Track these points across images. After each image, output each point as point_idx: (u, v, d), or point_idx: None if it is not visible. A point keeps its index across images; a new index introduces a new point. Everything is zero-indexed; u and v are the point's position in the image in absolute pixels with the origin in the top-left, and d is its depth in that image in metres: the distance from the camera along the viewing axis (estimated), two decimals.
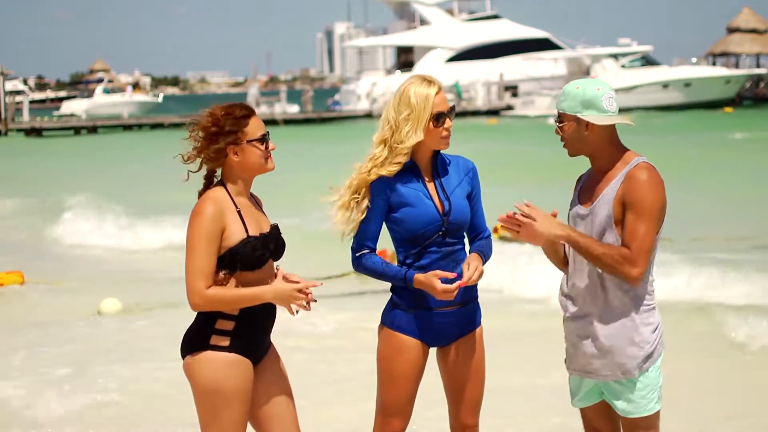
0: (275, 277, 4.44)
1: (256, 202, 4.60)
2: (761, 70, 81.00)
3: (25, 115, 70.58)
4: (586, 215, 4.46)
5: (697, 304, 10.95)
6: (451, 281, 4.56)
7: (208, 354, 4.39)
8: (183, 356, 4.46)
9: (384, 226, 4.71)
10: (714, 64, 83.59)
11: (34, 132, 63.97)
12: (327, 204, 4.71)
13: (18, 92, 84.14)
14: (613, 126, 4.46)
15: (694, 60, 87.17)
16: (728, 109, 68.25)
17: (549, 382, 8.41)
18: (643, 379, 4.44)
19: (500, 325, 10.66)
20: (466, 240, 4.79)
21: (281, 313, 4.54)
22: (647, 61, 75.16)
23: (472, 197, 4.75)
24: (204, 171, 4.51)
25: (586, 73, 70.92)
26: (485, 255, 4.72)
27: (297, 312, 4.45)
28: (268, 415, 4.55)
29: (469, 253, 4.72)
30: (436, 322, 4.68)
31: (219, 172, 4.51)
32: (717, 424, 7.51)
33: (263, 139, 4.46)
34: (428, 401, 6.01)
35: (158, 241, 17.98)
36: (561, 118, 4.47)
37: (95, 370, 9.24)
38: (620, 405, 4.48)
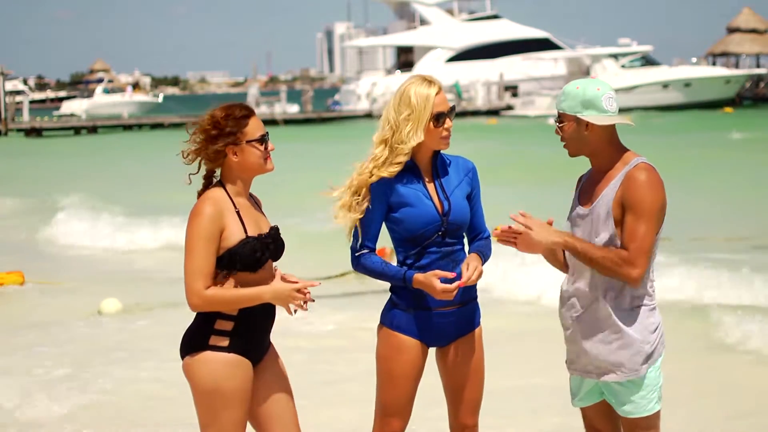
0: (274, 278, 4.44)
1: (255, 203, 4.60)
2: (761, 70, 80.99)
3: (25, 115, 70.58)
4: (586, 216, 4.46)
5: (697, 304, 10.95)
6: (450, 281, 4.56)
7: (207, 354, 4.39)
8: (182, 356, 4.46)
9: (384, 225, 4.71)
10: (714, 64, 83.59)
11: (34, 132, 63.98)
12: (326, 200, 4.71)
13: (18, 92, 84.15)
14: (613, 126, 4.46)
15: (694, 60, 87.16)
16: (728, 109, 68.24)
17: (549, 382, 8.41)
18: (643, 379, 4.44)
19: (500, 325, 10.67)
20: (465, 240, 4.79)
21: (281, 313, 4.54)
22: (647, 61, 75.16)
23: (472, 197, 4.74)
24: (203, 171, 4.51)
25: (586, 73, 70.92)
26: (484, 255, 4.72)
27: (295, 312, 4.45)
28: (268, 415, 4.55)
29: (469, 253, 4.72)
30: (435, 322, 4.68)
31: (218, 172, 4.51)
32: (717, 424, 7.51)
33: (262, 140, 4.46)
34: (428, 401, 6.01)
35: (158, 241, 17.98)
36: (561, 118, 4.48)
37: (95, 370, 9.24)
38: (620, 405, 4.49)
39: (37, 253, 17.67)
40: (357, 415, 7.45)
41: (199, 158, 4.47)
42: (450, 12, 78.96)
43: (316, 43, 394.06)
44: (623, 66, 73.00)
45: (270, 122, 63.67)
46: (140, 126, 68.38)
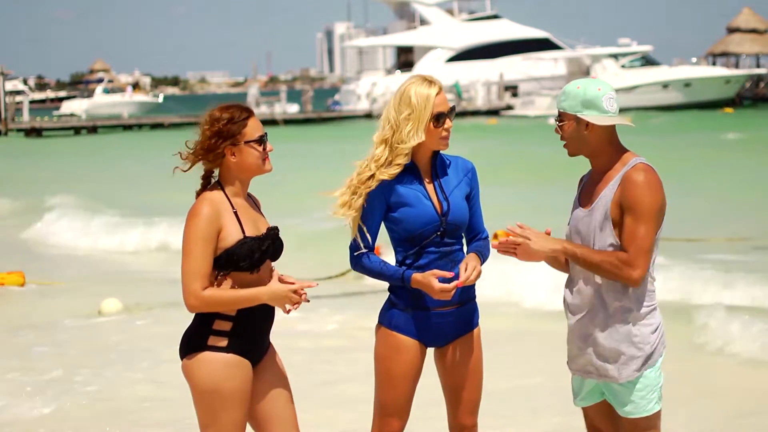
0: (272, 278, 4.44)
1: (254, 203, 4.60)
2: (761, 70, 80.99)
3: (25, 115, 70.59)
4: (585, 217, 4.47)
5: (697, 304, 10.94)
6: (448, 281, 4.56)
7: (206, 355, 4.39)
8: (181, 357, 4.46)
9: (383, 225, 4.71)
10: (714, 64, 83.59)
11: (34, 132, 63.98)
12: (325, 200, 4.72)
13: (18, 92, 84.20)
14: (613, 126, 4.47)
15: (694, 60, 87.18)
16: (728, 110, 68.24)
17: (549, 382, 8.42)
18: (644, 379, 4.44)
19: (500, 325, 10.67)
20: (464, 240, 4.79)
21: (281, 313, 4.54)
22: (647, 61, 75.16)
23: (471, 198, 4.74)
24: (202, 171, 4.51)
25: (586, 73, 70.91)
26: (483, 255, 4.72)
27: (289, 311, 4.45)
28: (268, 415, 4.55)
29: (467, 253, 4.72)
30: (434, 322, 4.68)
31: (217, 172, 4.51)
32: (717, 424, 7.51)
33: (261, 140, 4.46)
34: (427, 401, 6.01)
35: (158, 242, 17.98)
36: (561, 117, 4.48)
37: (95, 370, 9.24)
38: (620, 405, 4.49)
39: (36, 254, 17.67)
40: (356, 415, 7.45)
41: (198, 158, 4.47)
42: (450, 12, 78.96)
43: (316, 43, 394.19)
44: (623, 66, 73.01)
45: (270, 122, 63.71)
46: (140, 126, 68.40)
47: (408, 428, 4.80)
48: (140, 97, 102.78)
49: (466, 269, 4.57)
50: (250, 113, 4.47)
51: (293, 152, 37.53)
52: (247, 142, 4.43)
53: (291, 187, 23.17)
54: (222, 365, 4.38)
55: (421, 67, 72.95)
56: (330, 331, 10.77)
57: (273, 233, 4.51)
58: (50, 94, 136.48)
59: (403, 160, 4.61)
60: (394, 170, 4.60)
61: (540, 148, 35.17)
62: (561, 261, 4.60)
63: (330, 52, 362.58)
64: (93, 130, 65.91)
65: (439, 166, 4.71)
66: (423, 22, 78.34)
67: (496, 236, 13.88)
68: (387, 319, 4.72)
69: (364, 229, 4.65)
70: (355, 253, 4.68)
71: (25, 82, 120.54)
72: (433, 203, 4.63)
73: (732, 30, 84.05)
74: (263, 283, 4.43)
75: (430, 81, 4.64)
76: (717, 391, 8.41)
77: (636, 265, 4.31)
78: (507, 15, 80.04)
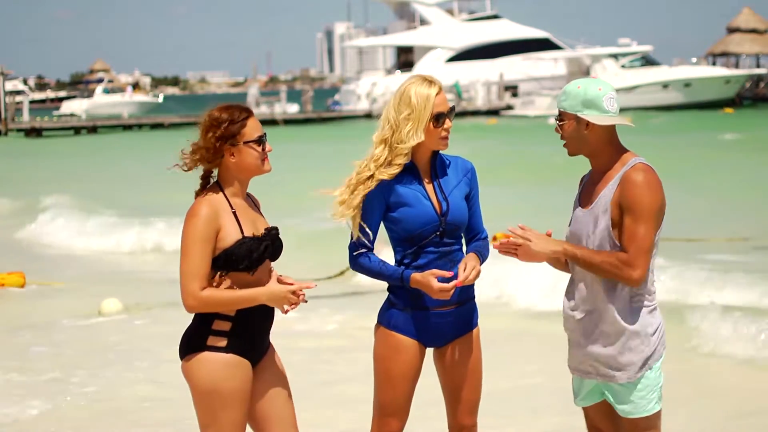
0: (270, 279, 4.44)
1: (253, 203, 4.60)
2: (761, 70, 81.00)
3: (25, 115, 70.60)
4: (585, 217, 4.47)
5: (697, 305, 10.94)
6: (447, 281, 4.56)
7: (206, 355, 4.38)
8: (181, 357, 4.46)
9: (382, 225, 4.71)
10: (714, 64, 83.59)
11: (34, 132, 63.99)
12: (325, 200, 4.71)
13: (18, 92, 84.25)
14: (613, 126, 4.46)
15: (694, 60, 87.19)
16: (728, 110, 68.24)
17: (549, 382, 8.42)
18: (643, 379, 4.44)
19: (501, 325, 10.67)
20: (464, 241, 4.79)
21: (280, 313, 4.54)
22: (647, 61, 75.17)
23: (470, 198, 4.74)
24: (201, 171, 4.51)
25: (586, 73, 70.92)
26: (482, 255, 4.72)
27: (287, 312, 4.45)
28: (267, 415, 4.54)
29: (466, 253, 4.72)
30: (433, 322, 4.68)
31: (216, 172, 4.51)
32: (717, 424, 7.51)
33: (260, 141, 4.46)
34: (427, 401, 6.01)
35: (158, 242, 17.97)
36: (561, 116, 4.48)
37: (95, 371, 9.24)
38: (620, 405, 4.49)
39: (36, 254, 17.66)
40: (356, 415, 7.45)
41: (197, 158, 4.46)
42: (450, 12, 78.97)
43: (316, 43, 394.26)
44: (623, 66, 73.02)
45: (270, 122, 63.73)
46: (140, 126, 68.42)
47: (407, 428, 4.80)
48: (140, 97, 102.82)
49: (465, 269, 4.57)
50: (249, 113, 4.47)
51: (293, 152, 37.54)
52: (246, 143, 4.43)
53: (291, 187, 23.15)
54: (221, 365, 4.37)
55: (421, 67, 72.96)
56: (330, 331, 10.77)
57: (273, 233, 4.51)
58: (50, 94, 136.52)
59: (402, 160, 4.61)
60: (394, 170, 4.60)
61: (540, 148, 35.18)
62: (562, 261, 4.60)
63: (330, 52, 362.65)
64: (93, 130, 65.93)
65: (438, 166, 4.71)
66: (423, 22, 78.35)
67: (495, 239, 13.89)
68: (386, 318, 4.71)
69: (364, 228, 4.65)
70: (354, 253, 4.68)
71: (25, 82, 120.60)
72: (432, 203, 4.63)
73: (732, 30, 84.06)
74: (262, 283, 4.42)
75: (430, 81, 4.64)
76: (717, 391, 8.41)
77: (636, 266, 4.31)
78: (507, 15, 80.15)
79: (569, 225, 4.58)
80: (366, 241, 4.66)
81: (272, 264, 4.55)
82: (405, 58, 78.31)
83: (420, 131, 4.58)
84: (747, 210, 20.84)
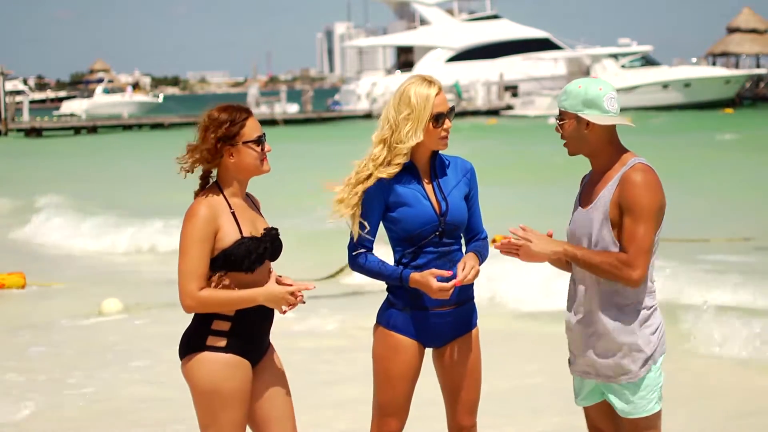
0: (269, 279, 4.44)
1: (253, 203, 4.59)
2: (761, 70, 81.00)
3: (25, 115, 70.61)
4: (585, 217, 4.47)
5: (697, 305, 10.93)
6: (447, 280, 4.55)
7: (206, 355, 4.38)
8: (181, 357, 4.46)
9: (381, 225, 4.71)
10: (714, 64, 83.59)
11: (34, 132, 63.99)
12: (325, 199, 4.70)
13: (18, 92, 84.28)
14: (613, 126, 4.46)
15: (694, 60, 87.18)
16: (728, 110, 68.23)
17: (549, 382, 8.42)
18: (643, 380, 4.43)
19: (500, 325, 10.67)
20: (463, 241, 4.79)
21: (279, 313, 4.54)
22: (647, 61, 75.17)
23: (470, 198, 4.74)
24: (200, 172, 4.50)
25: (586, 73, 70.93)
26: (482, 255, 4.71)
27: (285, 312, 4.44)
28: (266, 416, 4.54)
29: (465, 253, 4.71)
30: (432, 322, 4.67)
31: (215, 173, 4.50)
32: (717, 424, 7.51)
33: (259, 141, 4.45)
34: (426, 401, 6.01)
35: (157, 242, 17.96)
36: (562, 116, 4.48)
37: (94, 371, 9.24)
38: (620, 406, 4.48)
39: (35, 254, 17.66)
40: (356, 416, 7.44)
41: (196, 159, 4.46)
42: (450, 12, 78.96)
43: (316, 43, 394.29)
44: (623, 66, 73.01)
45: (270, 122, 63.74)
46: (140, 126, 68.42)
47: (407, 428, 4.80)
48: (140, 97, 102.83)
49: (463, 268, 4.57)
50: (248, 114, 4.46)
51: (293, 152, 37.54)
52: (245, 143, 4.42)
53: (290, 188, 23.16)
54: (221, 365, 4.37)
55: (421, 67, 72.96)
56: (330, 331, 10.77)
57: (272, 234, 4.51)
58: (50, 94, 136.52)
59: (401, 160, 4.60)
60: (393, 169, 4.60)
61: (540, 148, 35.19)
62: (564, 262, 4.60)
63: (330, 52, 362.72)
64: (93, 130, 65.93)
65: (438, 166, 4.70)
66: (423, 22, 78.34)
67: (494, 241, 13.87)
68: (385, 318, 4.71)
69: (364, 228, 4.64)
70: (354, 253, 4.67)
71: (25, 82, 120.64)
72: (431, 203, 4.62)
73: (732, 30, 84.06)
74: (261, 283, 4.42)
75: (429, 81, 4.63)
76: (716, 391, 8.41)
77: (635, 266, 4.31)
78: (507, 15, 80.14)
79: (569, 225, 4.58)
80: (365, 241, 4.66)
81: (272, 264, 4.55)
82: (405, 58, 78.31)
83: (419, 131, 4.58)
84: (747, 210, 20.84)
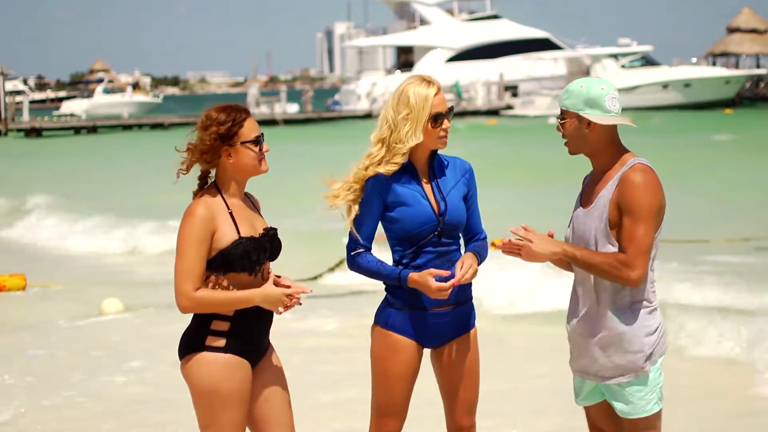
0: (267, 280, 4.43)
1: (252, 203, 4.58)
2: (761, 70, 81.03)
3: (25, 115, 70.62)
4: (585, 217, 4.46)
5: (697, 305, 10.94)
6: (445, 280, 4.55)
7: (205, 355, 4.38)
8: (180, 358, 4.45)
9: (380, 226, 4.70)
10: (714, 64, 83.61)
11: (34, 132, 63.99)
12: (324, 187, 4.69)
13: (18, 92, 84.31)
14: (614, 126, 4.46)
15: (694, 60, 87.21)
16: (728, 110, 68.23)
17: (549, 382, 8.41)
18: (643, 380, 4.43)
19: (501, 325, 10.67)
20: (462, 241, 4.78)
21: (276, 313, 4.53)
22: (647, 61, 75.19)
23: (469, 198, 4.73)
24: (199, 172, 4.50)
25: (586, 73, 70.93)
26: (481, 255, 4.71)
27: (281, 313, 4.44)
28: (265, 416, 4.53)
29: (464, 253, 4.71)
30: (430, 322, 4.67)
31: (213, 173, 4.50)
32: (717, 424, 7.50)
33: (257, 141, 4.45)
34: (425, 401, 6.00)
35: (157, 242, 17.94)
36: (563, 115, 4.48)
37: (94, 371, 9.24)
38: (619, 406, 4.48)
39: (35, 254, 17.65)
40: (355, 416, 7.44)
41: (194, 159, 4.45)
42: (450, 12, 78.98)
43: (316, 43, 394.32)
44: (623, 66, 73.03)
45: (270, 122, 63.74)
46: (140, 126, 68.43)
47: (406, 428, 4.79)
48: (140, 97, 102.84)
49: (461, 267, 4.56)
50: (246, 114, 4.46)
51: (293, 152, 37.54)
52: (243, 143, 4.41)
53: (290, 188, 23.15)
54: (221, 366, 4.37)
55: (421, 67, 72.98)
56: (329, 331, 10.77)
57: (271, 234, 4.50)
58: (50, 94, 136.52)
59: (400, 160, 4.60)
60: (392, 167, 4.60)
61: (540, 148, 35.20)
62: (565, 262, 4.60)
63: (330, 52, 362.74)
64: (93, 130, 65.93)
65: (436, 166, 4.70)
66: (423, 22, 78.35)
67: (493, 245, 13.86)
68: (383, 318, 4.71)
69: (361, 228, 4.64)
70: (352, 253, 4.67)
71: (25, 82, 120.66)
72: (430, 203, 4.62)
73: (732, 30, 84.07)
74: (260, 284, 4.41)
75: (428, 81, 4.63)
76: (716, 391, 8.41)
77: (635, 266, 4.30)
78: (507, 15, 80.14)
79: (569, 225, 4.57)
80: (364, 241, 4.65)
81: (271, 264, 4.54)
82: (405, 58, 78.31)
83: (418, 131, 4.58)
84: (747, 210, 20.85)
